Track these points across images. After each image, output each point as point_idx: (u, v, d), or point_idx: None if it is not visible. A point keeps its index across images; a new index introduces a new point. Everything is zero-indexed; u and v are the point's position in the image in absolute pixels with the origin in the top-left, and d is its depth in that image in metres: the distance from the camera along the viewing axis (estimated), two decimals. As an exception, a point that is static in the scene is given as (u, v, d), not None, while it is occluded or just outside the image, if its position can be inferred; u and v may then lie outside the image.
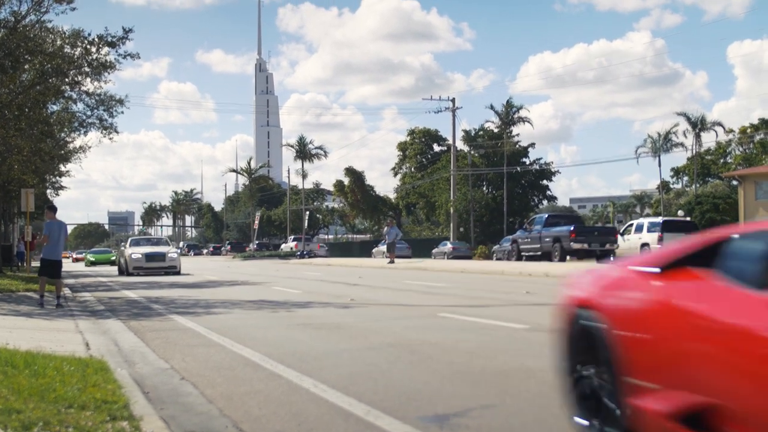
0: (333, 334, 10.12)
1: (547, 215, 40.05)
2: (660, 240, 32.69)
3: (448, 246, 59.31)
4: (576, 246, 34.76)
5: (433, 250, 60.73)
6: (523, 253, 38.44)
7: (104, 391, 5.70)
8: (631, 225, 35.80)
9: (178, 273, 32.07)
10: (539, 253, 36.78)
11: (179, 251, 37.65)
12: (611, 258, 34.71)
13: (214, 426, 5.03)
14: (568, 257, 35.40)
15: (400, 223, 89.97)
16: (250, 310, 14.20)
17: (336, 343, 9.21)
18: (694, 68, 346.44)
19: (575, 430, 4.76)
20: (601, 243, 35.17)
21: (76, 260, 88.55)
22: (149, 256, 32.55)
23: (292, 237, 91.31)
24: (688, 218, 41.44)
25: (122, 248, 36.97)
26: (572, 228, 35.25)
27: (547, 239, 36.22)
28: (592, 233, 36.64)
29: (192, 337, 10.16)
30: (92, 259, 63.10)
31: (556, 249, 35.30)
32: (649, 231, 33.67)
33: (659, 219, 35.19)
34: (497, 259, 48.42)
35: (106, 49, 21.26)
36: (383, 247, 65.20)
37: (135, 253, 32.63)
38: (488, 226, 74.17)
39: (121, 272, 33.85)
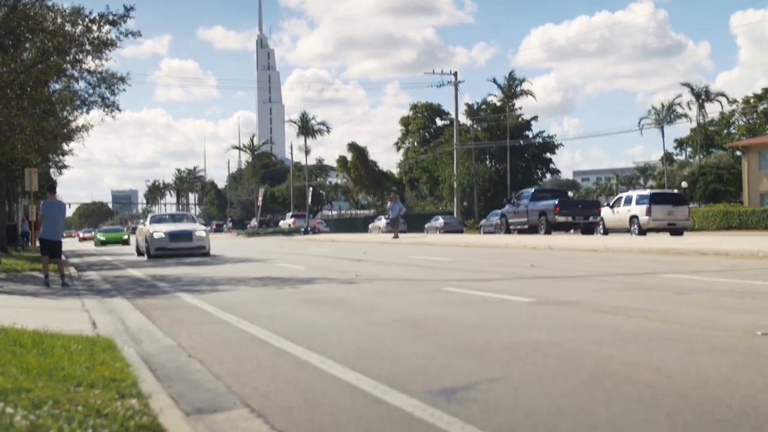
0: (339, 309, 10.14)
1: (533, 189, 41.02)
2: (648, 212, 32.97)
3: (439, 221, 60.66)
4: (561, 219, 35.73)
5: (426, 225, 61.71)
6: (511, 227, 39.23)
7: (112, 369, 5.72)
8: (620, 197, 36.23)
9: (207, 254, 27.97)
10: (526, 226, 37.68)
11: (208, 228, 34.35)
12: (596, 230, 35.47)
13: (222, 403, 5.05)
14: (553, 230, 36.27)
15: (404, 198, 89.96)
16: (256, 287, 14.22)
17: (342, 318, 9.23)
18: (696, 39, 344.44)
19: (583, 401, 4.77)
20: (585, 216, 36.14)
21: (84, 239, 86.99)
22: (174, 236, 28.17)
23: (290, 214, 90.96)
24: (677, 191, 41.96)
25: (141, 226, 33.00)
26: (557, 202, 36.19)
27: (534, 213, 36.99)
28: (576, 207, 37.58)
29: (198, 314, 10.19)
30: (102, 238, 58.11)
31: (542, 222, 36.27)
32: (637, 203, 33.98)
33: (647, 191, 35.64)
34: (485, 232, 49.26)
35: (107, 27, 21.13)
36: (380, 222, 65.77)
37: (157, 231, 28.31)
38: (492, 199, 74.23)
39: (141, 254, 29.91)
